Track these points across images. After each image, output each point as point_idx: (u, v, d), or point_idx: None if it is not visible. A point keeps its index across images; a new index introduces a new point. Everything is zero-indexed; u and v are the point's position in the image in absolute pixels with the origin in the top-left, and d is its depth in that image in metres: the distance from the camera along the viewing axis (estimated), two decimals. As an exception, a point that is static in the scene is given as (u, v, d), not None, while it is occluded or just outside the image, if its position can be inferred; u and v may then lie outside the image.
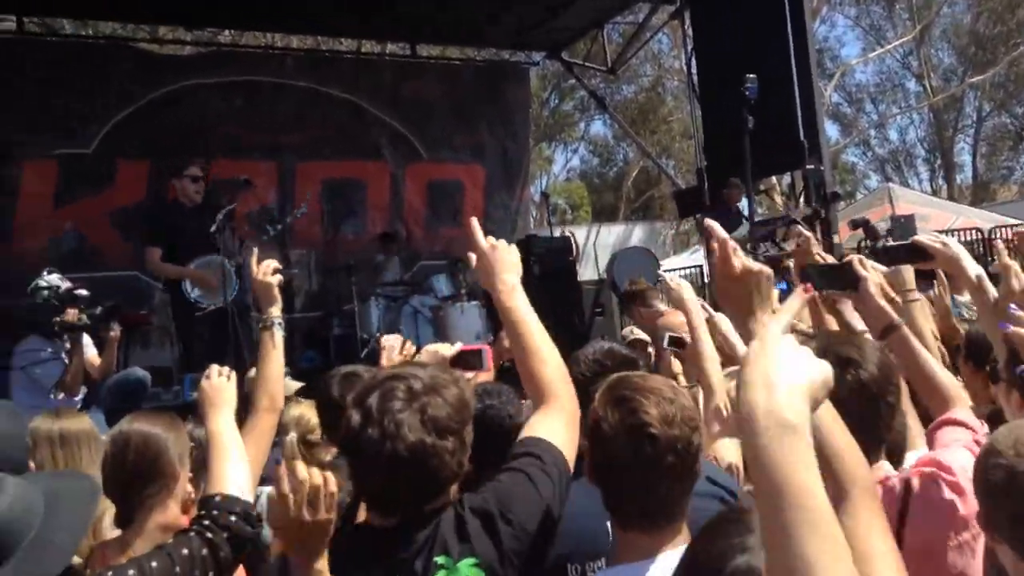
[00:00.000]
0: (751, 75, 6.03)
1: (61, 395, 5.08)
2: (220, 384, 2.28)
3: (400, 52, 12.70)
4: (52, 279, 5.35)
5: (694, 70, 11.03)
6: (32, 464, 2.65)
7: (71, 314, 5.06)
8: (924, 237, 2.55)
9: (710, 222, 1.60)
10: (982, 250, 11.09)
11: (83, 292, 5.19)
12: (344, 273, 9.30)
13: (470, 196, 12.10)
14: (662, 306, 5.41)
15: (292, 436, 3.10)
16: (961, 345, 3.24)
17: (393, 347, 3.11)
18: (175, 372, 7.47)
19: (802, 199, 9.83)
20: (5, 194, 9.24)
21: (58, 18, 11.17)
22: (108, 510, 2.45)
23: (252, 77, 10.77)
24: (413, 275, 10.73)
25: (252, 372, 4.47)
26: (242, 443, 2.21)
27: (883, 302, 2.33)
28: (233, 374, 2.35)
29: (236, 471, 2.07)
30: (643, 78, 24.77)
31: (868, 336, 2.27)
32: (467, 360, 2.64)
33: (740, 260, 1.47)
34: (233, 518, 1.90)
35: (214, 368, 2.33)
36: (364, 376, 2.89)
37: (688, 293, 3.15)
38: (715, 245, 1.49)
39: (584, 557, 1.97)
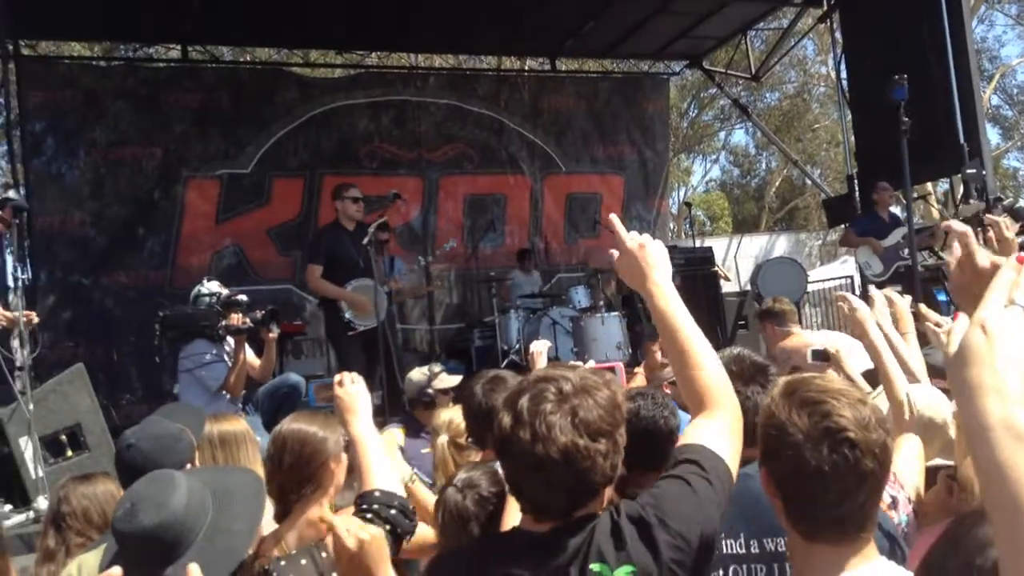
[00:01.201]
0: (899, 76, 5.74)
1: (227, 396, 5.38)
2: (355, 391, 2.32)
3: (539, 67, 12.84)
4: (212, 286, 5.69)
5: (843, 74, 10.66)
6: (197, 463, 2.81)
7: (234, 318, 5.34)
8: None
9: (951, 222, 1.51)
10: None
11: (242, 298, 5.48)
12: (484, 286, 9.47)
13: (608, 207, 12.08)
14: (796, 328, 5.26)
15: (443, 439, 3.17)
16: None
17: (541, 353, 3.15)
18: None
19: (961, 205, 9.30)
20: (172, 211, 9.88)
21: (219, 46, 11.86)
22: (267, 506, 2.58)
23: (398, 97, 11.16)
24: (551, 287, 10.83)
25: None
26: (384, 445, 2.28)
27: None
28: (362, 380, 2.38)
29: (387, 469, 2.14)
30: (787, 84, 24.10)
31: None
32: None
33: (987, 255, 1.38)
34: (392, 511, 1.97)
35: (346, 375, 2.37)
36: (509, 380, 2.94)
37: (864, 313, 2.92)
38: (955, 242, 1.40)
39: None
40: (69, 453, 4.95)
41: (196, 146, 9.95)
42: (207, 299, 5.62)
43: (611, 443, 1.64)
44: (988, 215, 5.57)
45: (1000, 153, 26.86)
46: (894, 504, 2.24)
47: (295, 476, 2.32)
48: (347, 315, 6.69)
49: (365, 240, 6.30)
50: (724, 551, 2.06)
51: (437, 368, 4.63)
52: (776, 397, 1.69)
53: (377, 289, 6.41)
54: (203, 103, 10.13)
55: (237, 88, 10.46)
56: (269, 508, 2.50)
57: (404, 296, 9.58)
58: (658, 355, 3.28)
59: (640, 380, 3.31)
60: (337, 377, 2.35)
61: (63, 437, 4.96)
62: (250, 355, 5.52)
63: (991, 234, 2.71)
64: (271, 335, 5.40)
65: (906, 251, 7.01)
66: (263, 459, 2.71)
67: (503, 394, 1.87)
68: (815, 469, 1.57)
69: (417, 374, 4.58)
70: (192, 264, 9.69)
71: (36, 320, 4.99)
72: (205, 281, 5.83)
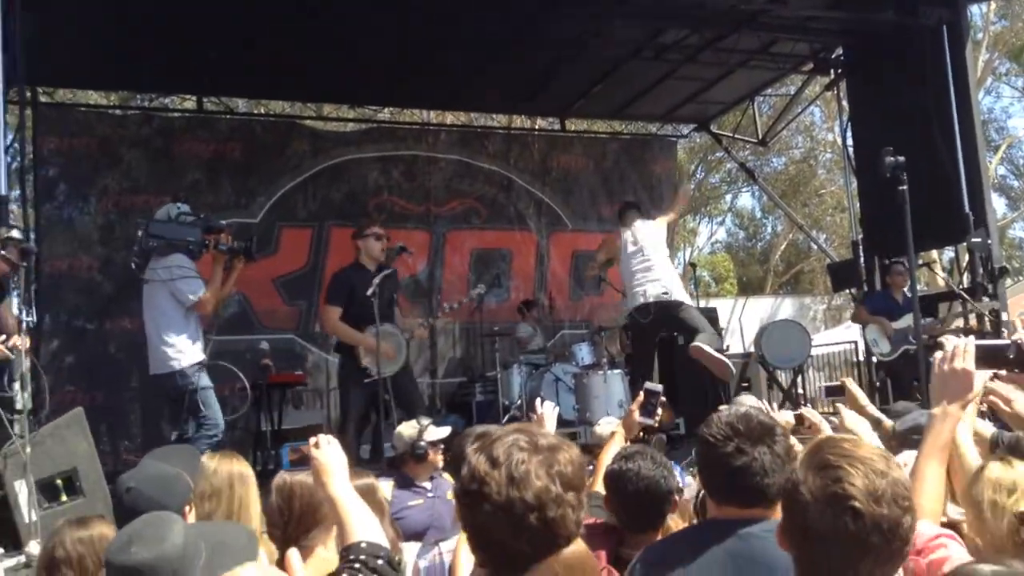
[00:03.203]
0: (888, 149, 5.76)
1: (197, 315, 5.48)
2: (330, 451, 2.32)
3: (549, 127, 13.01)
4: (184, 207, 5.73)
5: (849, 141, 10.77)
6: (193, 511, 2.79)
7: (225, 237, 5.45)
8: None
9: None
10: None
11: (224, 222, 5.65)
12: (488, 340, 9.47)
13: (613, 266, 12.10)
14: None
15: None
16: None
17: (550, 418, 3.13)
18: (326, 430, 7.73)
19: (965, 274, 9.33)
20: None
21: (233, 98, 12.06)
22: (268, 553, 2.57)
23: (408, 152, 11.30)
24: (555, 343, 10.82)
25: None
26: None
27: None
28: (336, 441, 2.38)
29: (370, 522, 2.14)
30: (794, 150, 24.32)
31: None
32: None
33: None
34: (380, 562, 1.96)
35: (321, 437, 2.37)
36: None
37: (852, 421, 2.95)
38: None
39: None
40: (64, 498, 4.90)
41: (207, 195, 10.02)
42: (189, 217, 5.65)
43: (579, 498, 1.64)
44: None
45: (1006, 223, 26.95)
46: None
47: (304, 524, 2.38)
48: (364, 361, 6.55)
49: (369, 292, 6.30)
50: None
51: (425, 421, 4.62)
52: (802, 454, 1.69)
53: (399, 338, 6.39)
54: (216, 153, 10.25)
55: (250, 139, 10.60)
56: (262, 554, 2.51)
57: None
58: (636, 414, 3.27)
59: (619, 440, 3.29)
60: (312, 440, 2.35)
61: (58, 482, 4.92)
62: None
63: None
64: (240, 264, 5.58)
65: (914, 337, 6.98)
66: (269, 506, 2.69)
67: None
68: (817, 532, 1.56)
69: (407, 428, 4.57)
70: (213, 311, 9.68)
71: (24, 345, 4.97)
72: (173, 203, 5.85)
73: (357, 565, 1.95)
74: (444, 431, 4.52)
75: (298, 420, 8.70)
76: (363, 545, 2.01)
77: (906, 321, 8.11)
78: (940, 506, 2.09)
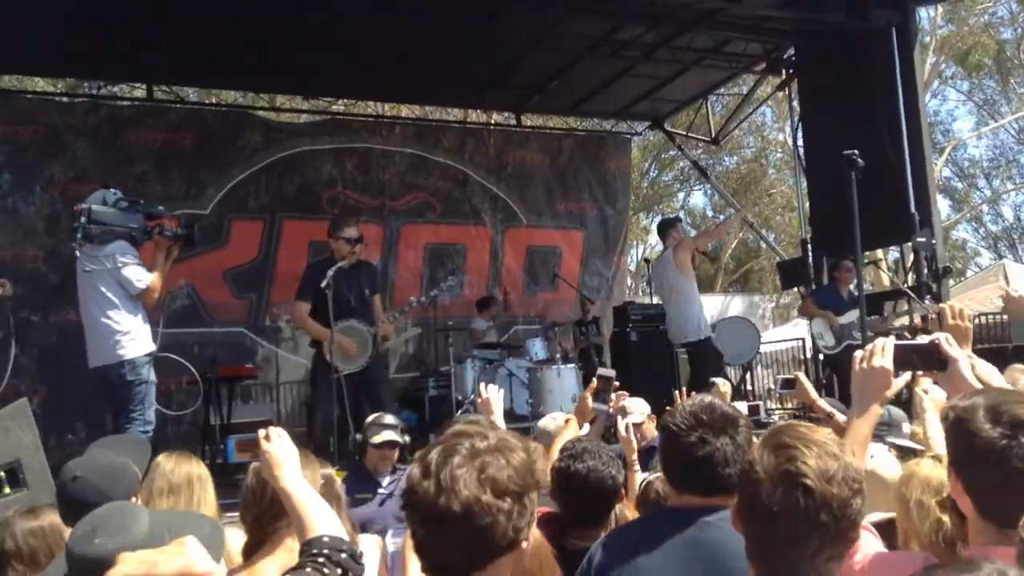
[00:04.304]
0: (851, 152, 5.87)
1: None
2: (281, 444, 2.28)
3: (505, 122, 13.00)
4: (118, 192, 5.66)
5: (800, 141, 10.94)
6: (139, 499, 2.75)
7: (169, 223, 5.40)
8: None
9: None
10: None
11: (161, 208, 5.64)
12: (441, 335, 9.45)
13: (567, 262, 12.19)
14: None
15: None
16: None
17: (497, 401, 3.10)
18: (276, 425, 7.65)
19: (911, 273, 9.53)
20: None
21: (184, 87, 11.86)
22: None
23: (363, 144, 11.21)
24: (509, 338, 10.85)
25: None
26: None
27: (975, 383, 2.20)
28: (286, 434, 2.35)
29: (329, 516, 2.11)
30: (745, 149, 24.62)
31: None
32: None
33: None
34: (343, 555, 1.94)
35: (271, 430, 2.33)
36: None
37: None
38: None
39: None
40: (7, 490, 4.77)
41: (156, 185, 9.84)
42: (124, 203, 5.57)
43: (518, 505, 1.61)
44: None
45: (950, 224, 27.58)
46: None
47: (275, 511, 2.33)
48: (329, 357, 6.47)
49: (323, 284, 6.24)
50: None
51: (389, 419, 4.61)
52: (760, 438, 1.73)
53: (365, 334, 6.34)
54: (166, 143, 10.07)
55: (201, 129, 10.43)
56: (232, 539, 2.50)
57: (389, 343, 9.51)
58: (588, 400, 3.27)
59: (573, 428, 3.29)
60: (262, 432, 2.31)
61: (1, 473, 4.81)
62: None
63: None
64: (176, 252, 5.62)
65: (858, 332, 7.13)
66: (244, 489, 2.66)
67: None
68: (767, 509, 1.60)
69: (369, 421, 4.58)
70: (160, 300, 9.52)
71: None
72: (105, 191, 5.77)
73: (321, 560, 1.91)
74: (391, 435, 4.51)
75: (247, 414, 8.60)
76: (325, 539, 1.98)
77: (851, 316, 8.27)
78: None
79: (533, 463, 1.69)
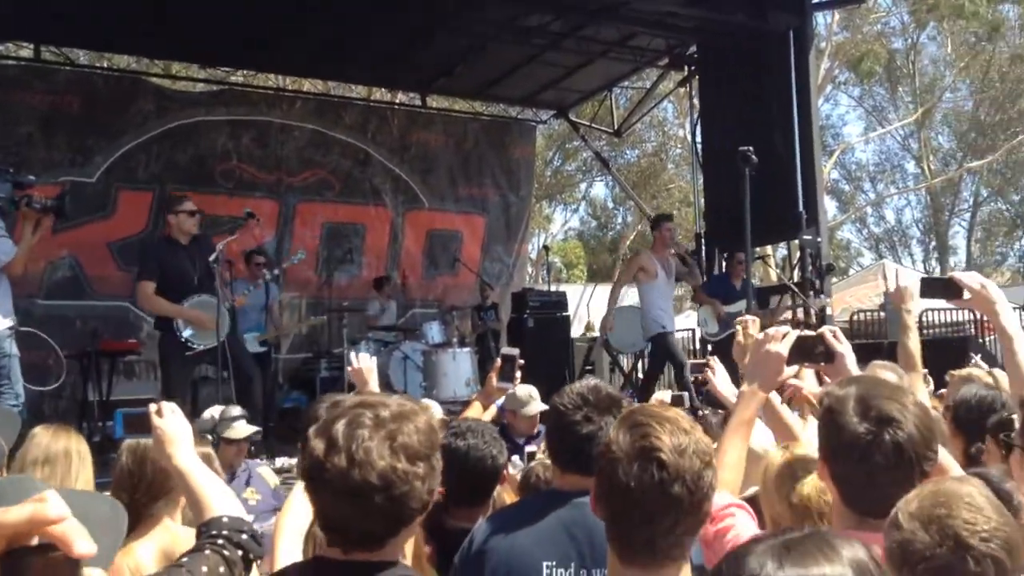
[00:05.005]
0: (746, 148, 6.05)
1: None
2: (174, 420, 2.17)
3: (409, 102, 12.87)
4: None
5: (698, 137, 11.19)
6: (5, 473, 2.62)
7: (38, 193, 5.22)
8: (963, 275, 2.56)
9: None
10: (974, 331, 11.08)
11: (32, 178, 5.59)
12: (335, 316, 9.30)
13: (468, 247, 12.17)
14: None
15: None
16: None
17: (371, 370, 2.95)
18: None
19: (796, 269, 9.89)
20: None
21: (75, 49, 11.30)
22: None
23: (261, 117, 10.92)
24: (406, 322, 10.78)
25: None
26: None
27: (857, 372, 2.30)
28: (179, 409, 2.22)
29: (228, 495, 2.05)
30: (647, 143, 25.03)
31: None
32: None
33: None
34: (244, 536, 1.88)
35: (164, 404, 2.20)
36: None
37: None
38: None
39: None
40: None
41: (40, 151, 9.37)
42: None
43: (428, 467, 1.64)
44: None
45: (836, 225, 28.76)
46: None
47: (153, 491, 2.28)
48: (185, 334, 6.30)
49: (212, 257, 6.07)
50: None
51: (235, 411, 4.47)
52: (616, 422, 1.76)
53: (220, 307, 6.17)
54: (52, 106, 9.59)
55: (90, 93, 9.96)
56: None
57: (283, 331, 9.29)
58: (494, 380, 3.24)
59: (476, 409, 3.27)
60: (153, 407, 2.18)
61: None
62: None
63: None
64: (48, 223, 5.40)
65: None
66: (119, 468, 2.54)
67: None
68: (624, 485, 1.63)
69: (208, 413, 4.45)
70: (23, 273, 9.07)
71: None
72: None
73: (220, 541, 1.84)
74: (244, 431, 4.38)
75: (129, 391, 8.29)
76: (224, 520, 1.91)
77: (738, 307, 8.56)
78: (739, 479, 2.20)
79: (433, 422, 1.71)
